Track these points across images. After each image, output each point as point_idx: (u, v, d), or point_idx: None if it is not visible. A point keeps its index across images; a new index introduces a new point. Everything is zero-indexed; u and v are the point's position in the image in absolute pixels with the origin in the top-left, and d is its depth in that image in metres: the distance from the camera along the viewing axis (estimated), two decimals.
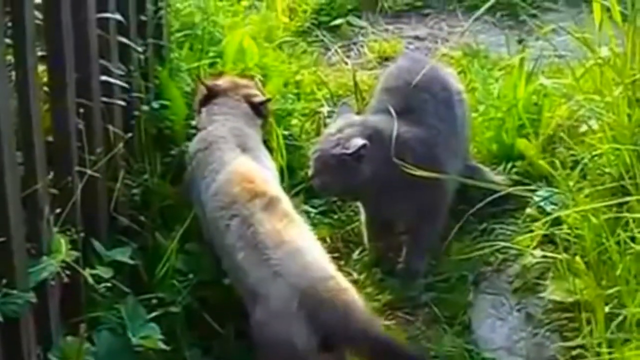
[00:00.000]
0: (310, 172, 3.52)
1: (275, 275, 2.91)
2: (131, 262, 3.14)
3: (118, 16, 3.22)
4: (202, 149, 3.38)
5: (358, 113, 3.84)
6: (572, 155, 3.75)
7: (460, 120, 3.66)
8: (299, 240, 3.00)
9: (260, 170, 3.26)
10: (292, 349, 2.84)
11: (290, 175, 3.77)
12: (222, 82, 3.66)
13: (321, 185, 3.50)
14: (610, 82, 3.54)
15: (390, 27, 5.07)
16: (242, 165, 3.26)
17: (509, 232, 3.68)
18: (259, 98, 3.61)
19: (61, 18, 2.76)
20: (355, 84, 4.31)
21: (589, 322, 3.09)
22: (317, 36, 4.91)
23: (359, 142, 3.38)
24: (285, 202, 3.15)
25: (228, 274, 3.15)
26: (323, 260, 3.00)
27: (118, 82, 3.22)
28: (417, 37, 5.01)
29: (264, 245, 2.97)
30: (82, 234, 2.88)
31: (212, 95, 3.59)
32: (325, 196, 3.76)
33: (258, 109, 3.58)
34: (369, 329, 2.89)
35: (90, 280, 2.80)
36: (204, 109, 3.57)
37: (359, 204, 3.73)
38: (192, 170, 3.39)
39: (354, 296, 2.92)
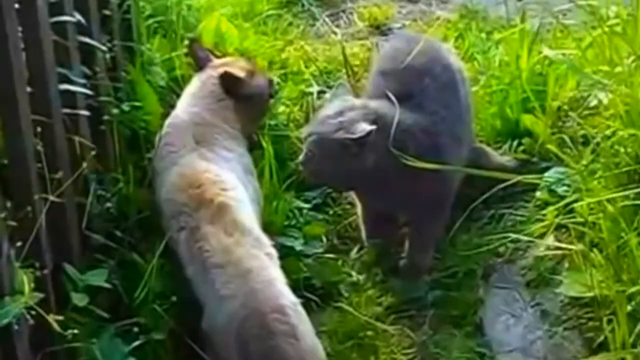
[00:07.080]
0: (301, 156, 3.24)
1: (221, 299, 2.80)
2: (108, 285, 2.91)
3: (78, 16, 2.93)
4: (162, 135, 3.21)
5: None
6: (582, 130, 3.47)
7: (464, 103, 3.40)
8: (247, 260, 2.85)
9: (210, 171, 3.06)
10: None
11: (279, 168, 3.49)
12: (220, 59, 3.45)
13: (315, 172, 3.23)
14: (620, 50, 3.24)
15: None
16: (190, 167, 3.09)
17: (519, 218, 3.42)
18: (221, 71, 3.32)
19: (5, 27, 2.46)
20: (345, 59, 4.03)
21: (609, 320, 2.86)
22: (303, 6, 4.61)
23: (367, 127, 3.12)
24: (236, 210, 2.96)
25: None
26: (271, 286, 2.83)
27: (81, 89, 2.93)
28: (409, 0, 4.70)
29: (211, 264, 2.86)
30: (47, 271, 2.67)
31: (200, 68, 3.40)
32: (316, 185, 3.49)
33: (227, 88, 3.30)
34: None
35: (57, 327, 2.55)
36: None
37: (354, 196, 3.46)
38: (153, 159, 3.22)
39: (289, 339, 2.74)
